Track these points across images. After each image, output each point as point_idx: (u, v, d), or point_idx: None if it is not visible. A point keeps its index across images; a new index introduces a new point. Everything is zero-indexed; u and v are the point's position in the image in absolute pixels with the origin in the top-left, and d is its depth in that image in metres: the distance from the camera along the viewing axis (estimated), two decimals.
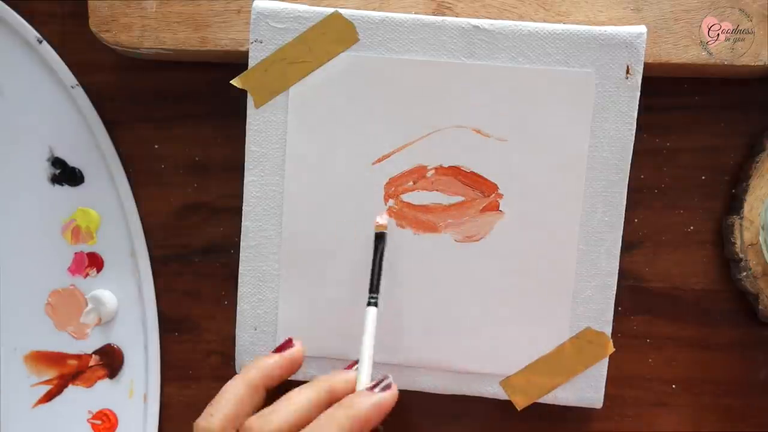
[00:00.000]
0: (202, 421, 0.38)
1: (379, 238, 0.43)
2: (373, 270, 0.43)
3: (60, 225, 0.49)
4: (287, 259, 0.45)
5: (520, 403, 0.45)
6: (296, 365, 0.41)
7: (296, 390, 0.39)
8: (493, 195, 0.44)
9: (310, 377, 0.46)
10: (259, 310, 0.46)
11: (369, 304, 0.42)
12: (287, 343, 0.42)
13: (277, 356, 0.41)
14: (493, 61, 0.43)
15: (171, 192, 0.49)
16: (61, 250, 0.49)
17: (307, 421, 0.37)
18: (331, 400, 0.38)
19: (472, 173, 0.44)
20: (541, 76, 0.43)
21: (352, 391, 0.39)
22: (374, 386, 0.39)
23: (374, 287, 0.42)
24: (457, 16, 0.44)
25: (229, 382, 0.40)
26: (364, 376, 0.40)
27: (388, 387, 0.39)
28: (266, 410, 0.38)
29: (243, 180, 0.45)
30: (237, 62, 0.46)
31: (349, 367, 0.41)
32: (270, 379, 0.40)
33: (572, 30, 0.43)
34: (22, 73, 0.48)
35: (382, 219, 0.44)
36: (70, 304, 0.49)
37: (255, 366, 0.40)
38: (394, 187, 0.44)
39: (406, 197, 0.44)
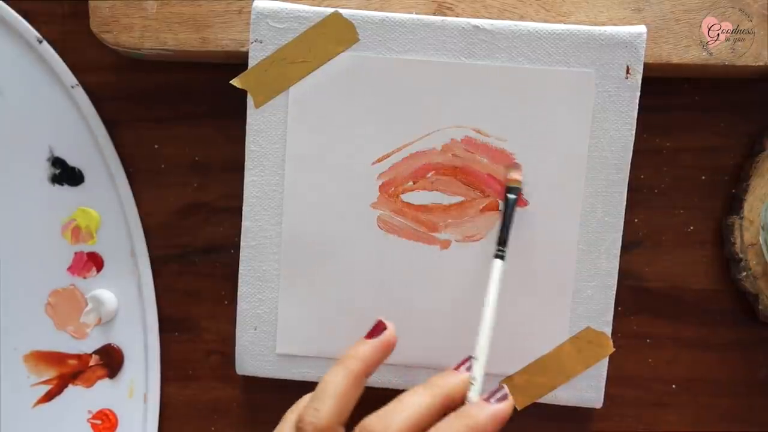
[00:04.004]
0: (307, 416, 0.37)
1: (511, 192, 0.43)
2: (503, 222, 0.43)
3: (60, 225, 0.49)
4: (287, 259, 0.45)
5: (520, 403, 0.45)
6: (392, 348, 0.40)
7: (410, 392, 0.38)
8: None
9: (309, 378, 0.46)
10: (259, 310, 0.46)
11: (496, 256, 0.42)
12: (379, 326, 0.40)
13: (375, 342, 0.40)
14: (493, 61, 0.43)
15: (171, 192, 0.49)
16: (61, 250, 0.49)
17: (425, 426, 0.37)
18: (448, 406, 0.38)
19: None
20: (541, 76, 0.43)
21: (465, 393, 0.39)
22: (490, 396, 0.38)
23: (503, 240, 0.43)
24: (457, 16, 0.44)
25: (330, 375, 0.38)
26: (481, 359, 0.40)
27: (504, 398, 0.38)
28: (383, 411, 0.37)
29: (243, 180, 0.45)
30: (238, 62, 0.46)
31: (458, 367, 0.40)
32: (371, 368, 0.39)
33: (572, 30, 0.43)
34: (22, 73, 0.48)
35: (516, 174, 0.44)
36: (70, 304, 0.49)
37: (354, 356, 0.39)
38: (393, 187, 0.44)
39: (406, 197, 0.44)
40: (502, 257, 0.42)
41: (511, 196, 0.43)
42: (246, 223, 0.45)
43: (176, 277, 0.49)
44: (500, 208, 0.44)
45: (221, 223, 0.49)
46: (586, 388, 0.45)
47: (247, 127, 0.45)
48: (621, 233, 0.44)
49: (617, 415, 0.48)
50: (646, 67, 0.43)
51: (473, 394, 0.39)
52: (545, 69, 0.43)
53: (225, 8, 0.45)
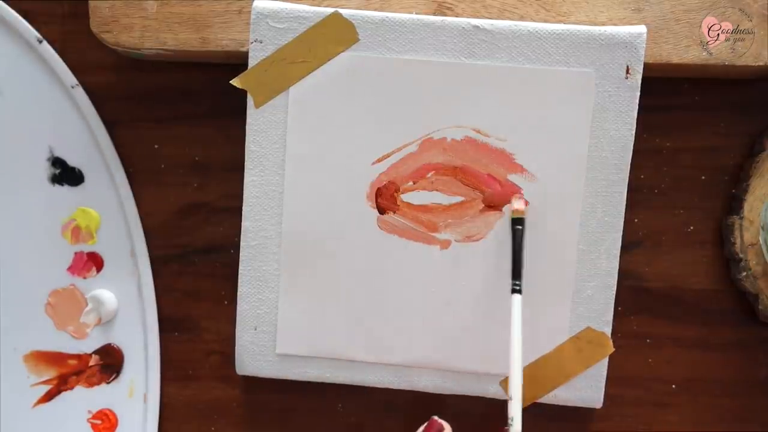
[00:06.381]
0: None
1: (517, 224, 0.43)
2: (514, 256, 0.43)
3: (60, 225, 0.49)
4: (287, 259, 0.45)
5: None
6: None
7: None
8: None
9: (309, 378, 0.46)
10: (259, 310, 0.46)
11: (513, 291, 0.42)
12: (434, 425, 0.42)
13: None
14: (493, 61, 0.43)
15: (171, 192, 0.49)
16: (61, 250, 0.49)
17: None
18: None
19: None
20: (541, 76, 0.43)
21: None
22: None
23: (517, 273, 0.42)
24: (457, 16, 0.44)
25: None
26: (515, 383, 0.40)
27: None
28: None
29: (243, 180, 0.45)
30: (238, 62, 0.46)
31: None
32: None
33: (572, 30, 0.43)
34: (22, 73, 0.48)
35: (519, 204, 0.43)
36: (70, 304, 0.49)
37: None
38: (393, 187, 0.44)
39: (406, 197, 0.44)
40: (519, 291, 0.42)
41: (518, 227, 0.43)
42: (246, 223, 0.45)
43: (176, 277, 0.49)
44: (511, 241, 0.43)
45: (221, 223, 0.49)
46: (586, 388, 0.45)
47: (247, 127, 0.45)
48: (621, 233, 0.44)
49: (617, 415, 0.48)
50: (646, 67, 0.43)
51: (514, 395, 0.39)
52: (545, 69, 0.43)
53: (225, 8, 0.45)
